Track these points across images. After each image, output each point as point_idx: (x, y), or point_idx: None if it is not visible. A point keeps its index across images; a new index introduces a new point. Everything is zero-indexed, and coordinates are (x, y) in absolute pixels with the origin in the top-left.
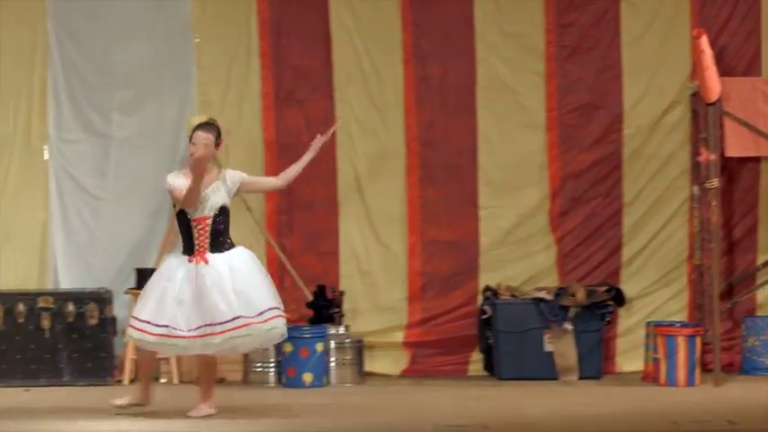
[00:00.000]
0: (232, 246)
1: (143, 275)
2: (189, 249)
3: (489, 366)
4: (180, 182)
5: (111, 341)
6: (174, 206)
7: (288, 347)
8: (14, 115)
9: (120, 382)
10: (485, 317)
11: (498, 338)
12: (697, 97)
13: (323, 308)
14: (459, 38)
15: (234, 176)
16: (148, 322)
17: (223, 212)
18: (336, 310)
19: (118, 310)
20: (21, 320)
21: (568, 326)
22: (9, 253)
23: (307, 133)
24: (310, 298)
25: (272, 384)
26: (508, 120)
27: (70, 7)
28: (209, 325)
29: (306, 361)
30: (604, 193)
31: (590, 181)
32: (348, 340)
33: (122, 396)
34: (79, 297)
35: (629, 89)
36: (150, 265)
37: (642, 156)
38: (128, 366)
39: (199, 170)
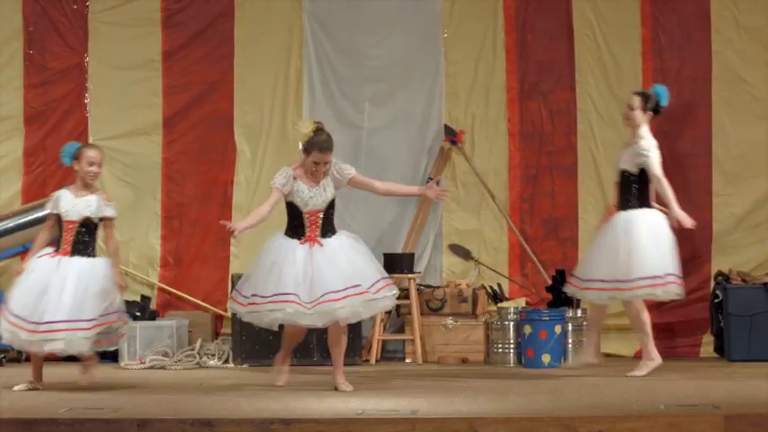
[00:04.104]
0: (335, 231)
1: (392, 260)
2: (299, 235)
3: (720, 348)
4: (279, 183)
5: (360, 323)
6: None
7: (527, 329)
8: (271, 105)
9: (367, 361)
10: (717, 301)
11: (729, 322)
12: None
13: (561, 292)
14: (696, 32)
15: (345, 172)
16: (258, 295)
17: (332, 205)
18: None
19: None
20: None
21: None
22: (261, 238)
23: (549, 123)
24: (549, 282)
25: (512, 365)
26: (741, 110)
27: (325, 4)
28: (327, 293)
29: (544, 342)
30: None
31: None
32: (585, 323)
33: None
34: None
35: None
36: (398, 251)
37: None
38: (375, 347)
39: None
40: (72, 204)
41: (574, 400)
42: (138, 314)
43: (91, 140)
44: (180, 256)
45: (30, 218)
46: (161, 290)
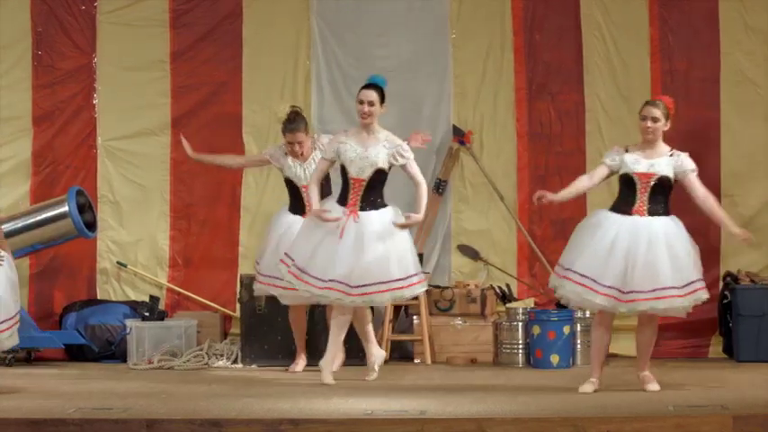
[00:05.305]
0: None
1: None
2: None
3: (728, 349)
4: (267, 152)
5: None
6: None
7: (536, 330)
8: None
9: None
10: (725, 302)
11: (737, 322)
12: None
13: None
14: (704, 33)
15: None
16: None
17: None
18: None
19: None
20: (282, 304)
21: None
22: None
23: (558, 124)
24: None
25: (521, 365)
26: (749, 111)
27: (333, 5)
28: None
29: (553, 343)
30: None
31: None
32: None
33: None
34: None
35: None
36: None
37: None
38: (383, 347)
39: None
40: None
41: (582, 400)
42: (146, 314)
43: (99, 141)
44: (188, 256)
45: (38, 218)
46: (170, 290)
